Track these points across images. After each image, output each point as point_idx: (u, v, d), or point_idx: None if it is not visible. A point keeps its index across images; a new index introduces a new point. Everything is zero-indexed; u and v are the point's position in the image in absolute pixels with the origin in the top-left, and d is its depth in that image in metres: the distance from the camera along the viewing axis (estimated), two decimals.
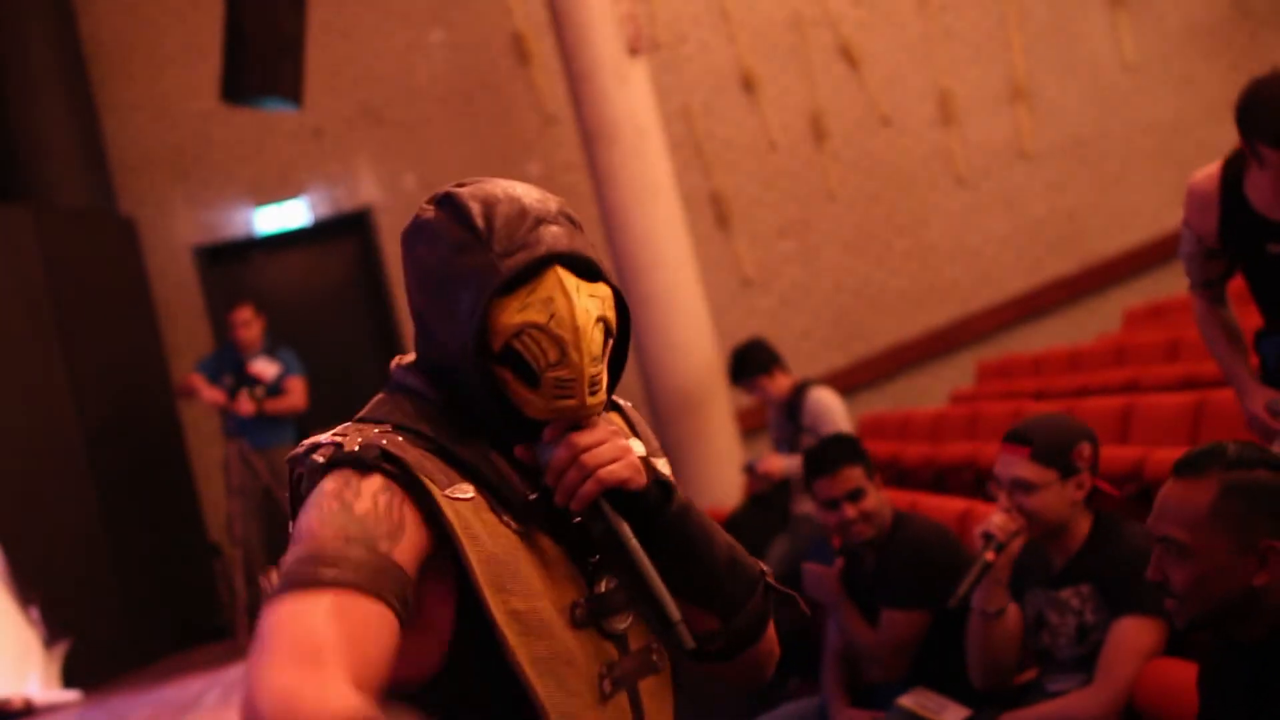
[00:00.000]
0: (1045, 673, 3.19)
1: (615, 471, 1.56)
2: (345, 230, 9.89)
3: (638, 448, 1.70)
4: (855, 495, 3.79)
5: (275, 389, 8.03)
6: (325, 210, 9.86)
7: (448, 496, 1.52)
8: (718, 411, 8.18)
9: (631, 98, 8.20)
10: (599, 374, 1.59)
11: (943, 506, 4.74)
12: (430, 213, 1.65)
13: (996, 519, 3.06)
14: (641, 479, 1.60)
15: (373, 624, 1.40)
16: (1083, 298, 10.18)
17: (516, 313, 1.56)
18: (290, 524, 1.53)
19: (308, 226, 9.86)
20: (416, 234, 1.65)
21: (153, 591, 7.85)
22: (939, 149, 10.15)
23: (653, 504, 1.61)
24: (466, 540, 1.51)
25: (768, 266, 9.96)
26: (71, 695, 6.75)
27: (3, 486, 7.29)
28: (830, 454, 3.85)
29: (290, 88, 7.68)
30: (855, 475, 3.79)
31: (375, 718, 1.29)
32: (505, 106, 9.84)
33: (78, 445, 7.81)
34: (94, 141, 9.25)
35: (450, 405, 1.61)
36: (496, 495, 1.57)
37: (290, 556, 1.43)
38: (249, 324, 8.17)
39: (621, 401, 1.85)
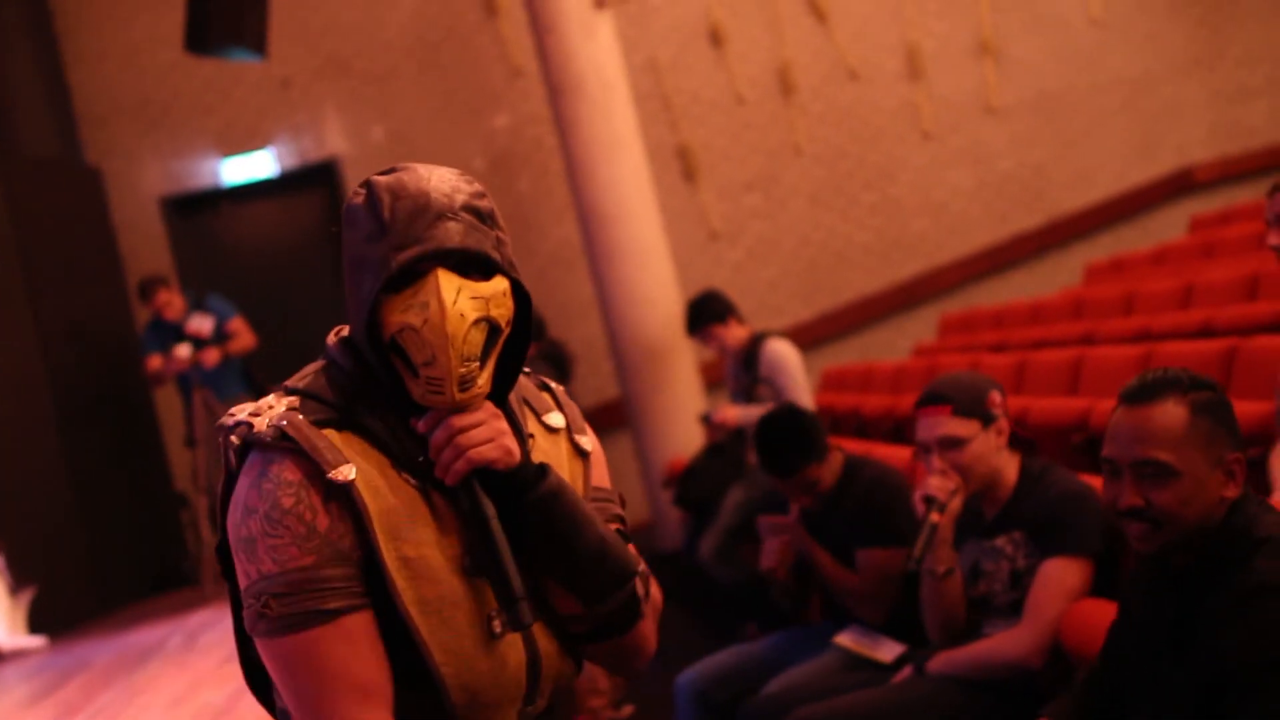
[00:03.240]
0: (982, 618, 3.27)
1: (484, 452, 1.70)
2: (312, 181, 9.90)
3: (555, 421, 1.90)
4: (811, 487, 3.92)
5: (221, 337, 8.06)
6: (292, 161, 9.85)
7: (333, 476, 1.67)
8: (681, 364, 8.25)
9: (597, 51, 8.21)
10: (471, 373, 1.69)
11: (900, 456, 4.82)
12: (359, 198, 1.75)
13: (934, 481, 3.13)
14: (511, 460, 1.73)
15: (374, 633, 1.66)
16: (1047, 252, 10.27)
17: (399, 312, 1.69)
18: (222, 480, 1.76)
19: (275, 177, 9.86)
20: (345, 218, 1.76)
21: (118, 540, 7.90)
22: (906, 103, 10.19)
23: (520, 485, 1.74)
24: (367, 495, 1.68)
25: (734, 220, 10.00)
26: (37, 641, 6.81)
27: None
28: (783, 459, 3.91)
29: (254, 39, 7.67)
30: (810, 472, 3.90)
31: None
32: (472, 58, 9.83)
33: (43, 395, 7.82)
34: (60, 92, 9.22)
35: (366, 376, 1.76)
36: (397, 457, 1.73)
37: (278, 583, 1.65)
38: (171, 303, 8.18)
39: (553, 385, 1.97)
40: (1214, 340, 5.08)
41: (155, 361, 8.13)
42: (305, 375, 1.79)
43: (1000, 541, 3.19)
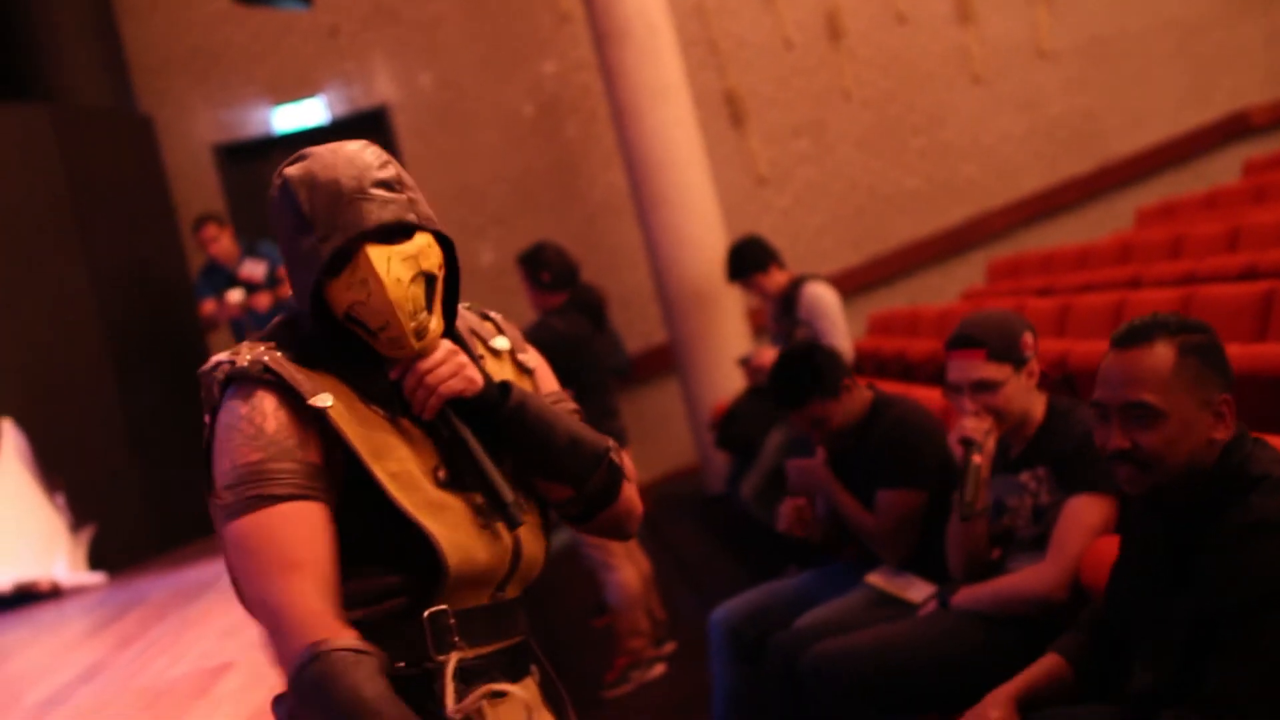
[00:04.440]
0: (1006, 553, 3.31)
1: (452, 385, 1.94)
2: (362, 128, 9.95)
3: (499, 344, 2.14)
4: (819, 423, 3.92)
5: (273, 282, 8.16)
6: (342, 109, 9.93)
7: (312, 403, 1.87)
8: (728, 308, 8.28)
9: None
10: (422, 323, 1.92)
11: (940, 398, 4.84)
12: (276, 192, 1.94)
13: (969, 422, 3.16)
14: (475, 387, 1.96)
15: (318, 521, 1.83)
16: (1098, 197, 10.20)
17: (344, 291, 1.89)
18: (206, 425, 1.93)
19: (325, 125, 9.93)
20: (270, 211, 1.96)
21: (174, 479, 8.04)
22: (956, 47, 10.12)
23: (490, 404, 1.97)
24: (342, 423, 1.88)
25: (782, 165, 9.99)
26: (96, 577, 6.99)
27: (28, 382, 7.47)
28: (793, 387, 3.92)
29: None
30: (815, 410, 3.90)
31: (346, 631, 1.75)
32: (520, 4, 9.85)
33: (99, 341, 7.97)
34: (112, 42, 9.32)
35: (329, 326, 1.95)
36: (365, 392, 1.93)
37: (230, 475, 1.84)
38: (216, 239, 8.28)
39: (492, 314, 2.20)
40: (1255, 283, 5.06)
41: (209, 306, 8.26)
42: (275, 326, 1.99)
43: (1024, 477, 3.23)
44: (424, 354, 1.94)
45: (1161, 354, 2.22)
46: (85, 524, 7.21)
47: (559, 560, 6.90)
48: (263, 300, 8.05)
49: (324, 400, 1.87)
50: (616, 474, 2.07)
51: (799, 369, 3.95)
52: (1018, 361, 3.18)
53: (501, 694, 1.93)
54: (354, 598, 1.86)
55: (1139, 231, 8.48)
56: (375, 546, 1.88)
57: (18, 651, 5.67)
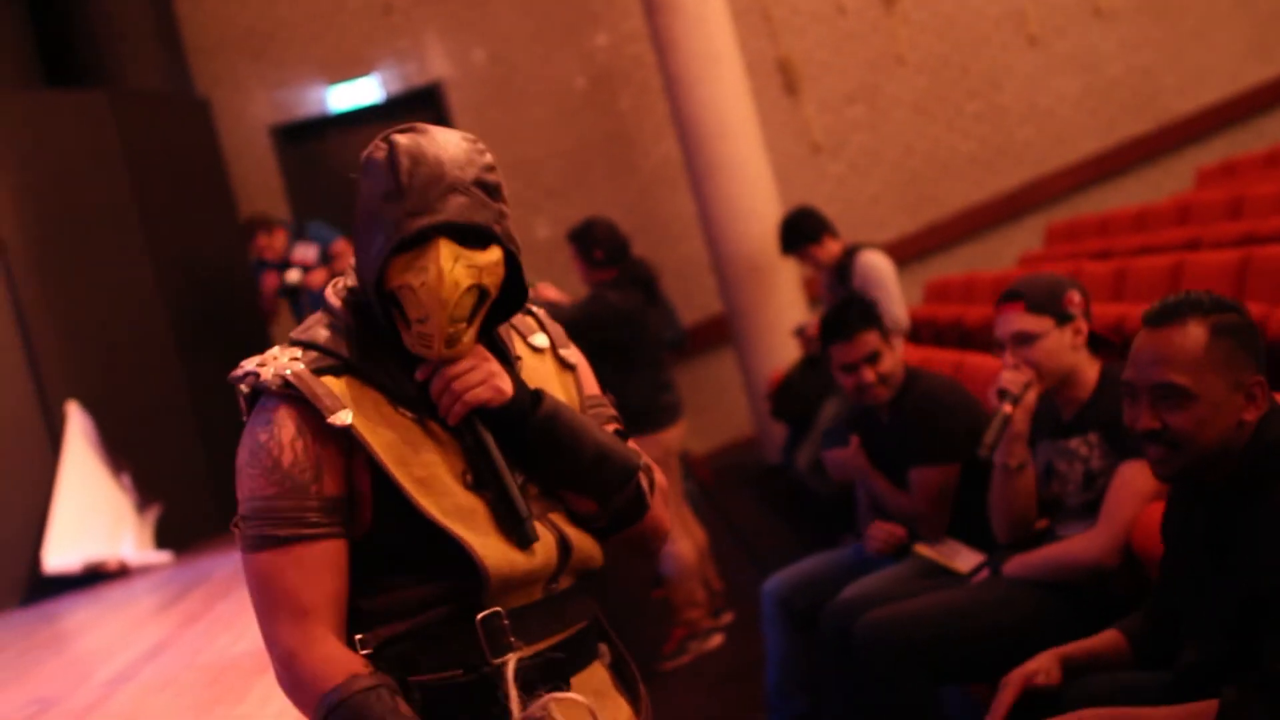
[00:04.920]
0: (1056, 521, 3.31)
1: (478, 394, 1.91)
2: (417, 105, 10.01)
3: (539, 341, 2.11)
4: (873, 359, 3.90)
5: (326, 260, 8.22)
6: (397, 86, 9.98)
7: (332, 422, 1.86)
8: (784, 278, 8.27)
9: None
10: (458, 332, 1.89)
11: (997, 366, 4.81)
12: (380, 153, 1.90)
13: (1006, 374, 3.19)
14: (503, 397, 1.93)
15: (329, 560, 1.86)
16: (1157, 157, 10.06)
17: (402, 272, 1.86)
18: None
19: (380, 103, 9.99)
20: (365, 168, 1.91)
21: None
22: (1011, 8, 10.00)
23: (517, 414, 1.95)
24: (367, 434, 1.87)
25: (836, 132, 9.93)
26: (163, 556, 7.11)
27: (93, 364, 7.59)
28: (846, 319, 3.94)
29: None
30: (871, 340, 3.89)
31: (356, 670, 1.81)
32: None
33: (162, 323, 8.08)
34: (168, 24, 9.41)
35: (364, 325, 1.95)
36: (393, 394, 1.92)
37: (246, 507, 1.88)
38: (270, 246, 8.34)
39: (535, 309, 2.16)
40: None
41: (271, 279, 8.30)
42: (308, 327, 1.97)
43: (1075, 443, 3.22)
44: (449, 361, 1.92)
45: (1194, 334, 2.20)
46: (151, 503, 7.33)
47: None
48: (317, 277, 8.12)
49: (344, 418, 1.86)
50: (642, 498, 2.04)
51: (848, 306, 4.03)
52: (1060, 316, 3.17)
53: (566, 688, 1.91)
54: (397, 607, 1.87)
55: (1198, 192, 8.37)
56: (413, 554, 1.88)
57: (88, 630, 5.80)
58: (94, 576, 6.75)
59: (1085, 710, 2.33)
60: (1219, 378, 2.19)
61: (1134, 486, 3.01)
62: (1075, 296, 3.21)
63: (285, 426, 1.87)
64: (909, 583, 3.62)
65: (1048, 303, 3.17)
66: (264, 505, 1.86)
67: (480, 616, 1.86)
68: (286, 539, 1.84)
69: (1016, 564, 3.23)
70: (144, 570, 6.93)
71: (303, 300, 8.25)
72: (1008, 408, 3.17)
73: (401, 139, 1.89)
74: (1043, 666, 2.54)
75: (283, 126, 9.95)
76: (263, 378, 1.89)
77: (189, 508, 7.62)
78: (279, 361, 1.90)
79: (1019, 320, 3.17)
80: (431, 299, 1.84)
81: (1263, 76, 10.08)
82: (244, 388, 1.92)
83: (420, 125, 1.92)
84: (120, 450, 7.32)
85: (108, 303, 7.81)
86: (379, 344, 1.94)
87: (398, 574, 1.88)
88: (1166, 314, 2.24)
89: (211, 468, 7.77)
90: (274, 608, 1.85)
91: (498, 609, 1.87)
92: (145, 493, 7.34)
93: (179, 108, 9.08)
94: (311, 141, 10.08)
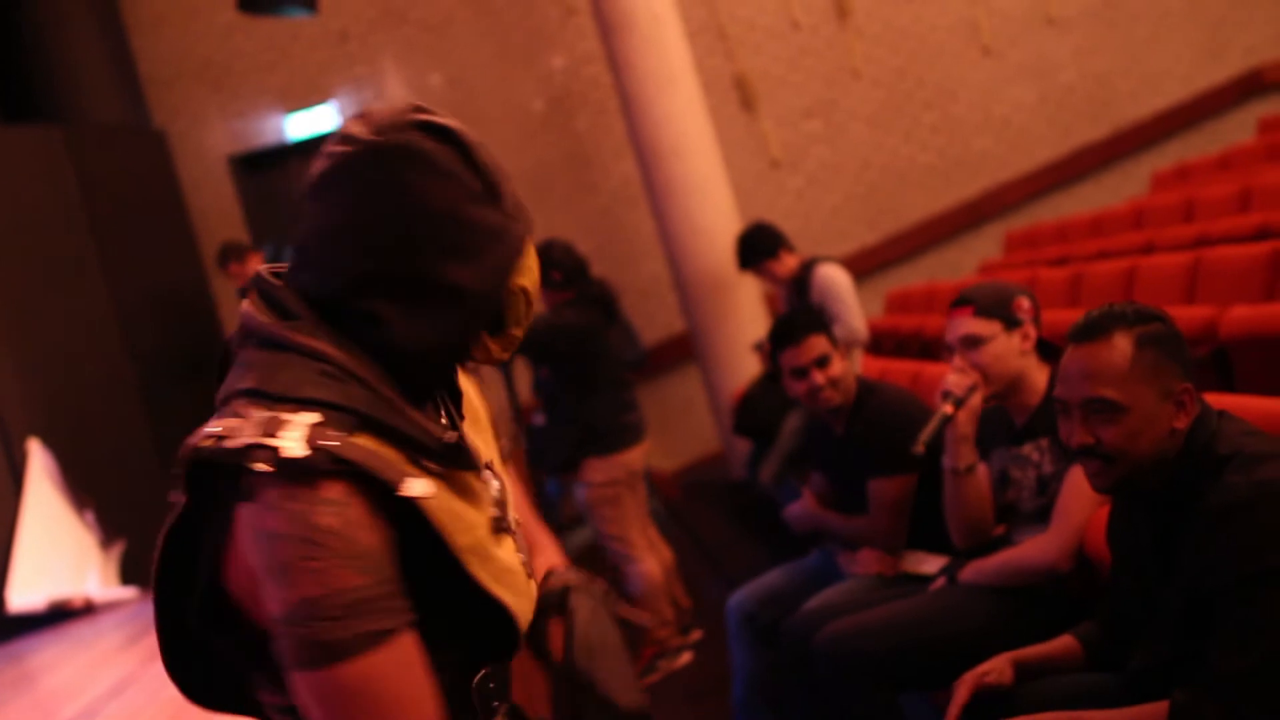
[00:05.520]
0: (1012, 527, 3.33)
1: None
2: None
3: None
4: (822, 362, 3.92)
5: None
6: (355, 113, 9.95)
7: (402, 493, 1.50)
8: (745, 294, 8.29)
9: None
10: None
11: None
12: (424, 142, 1.52)
13: (951, 377, 3.24)
14: None
15: (420, 648, 1.49)
16: (1114, 163, 10.14)
17: (520, 276, 1.60)
18: (183, 513, 1.49)
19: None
20: (406, 160, 1.51)
21: None
22: (964, 19, 10.08)
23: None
24: (437, 511, 1.55)
25: (795, 147, 9.98)
26: (128, 592, 7.06)
27: (53, 401, 7.55)
28: (794, 324, 3.97)
29: None
30: (820, 343, 3.92)
31: None
32: (526, 1, 9.87)
33: (123, 357, 8.05)
34: (123, 58, 9.39)
35: (365, 365, 1.54)
36: (418, 448, 1.56)
37: (322, 606, 1.41)
38: (243, 274, 8.32)
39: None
40: (1265, 243, 5.04)
41: None
42: (298, 380, 1.51)
43: (1027, 449, 3.24)
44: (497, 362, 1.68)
45: (1120, 347, 2.22)
46: (115, 539, 7.29)
47: (581, 555, 6.93)
48: None
49: (418, 488, 1.51)
50: None
51: (796, 313, 4.05)
52: (1008, 321, 3.22)
53: None
54: None
55: (1153, 196, 8.45)
56: (436, 623, 1.55)
57: (53, 668, 5.75)
58: (59, 614, 6.70)
59: (1041, 714, 2.35)
60: (1148, 388, 2.21)
61: (1085, 488, 3.02)
62: (1024, 303, 3.25)
63: (351, 505, 1.45)
64: (870, 593, 3.63)
65: (996, 308, 3.22)
66: (355, 600, 1.43)
67: (475, 681, 1.62)
68: (393, 631, 1.45)
69: (972, 570, 3.24)
70: (109, 606, 6.88)
71: None
72: (949, 408, 3.22)
73: (449, 123, 1.55)
74: (995, 667, 2.56)
75: (241, 156, 9.93)
76: (289, 452, 1.44)
77: (153, 543, 7.57)
78: (293, 427, 1.46)
79: (968, 324, 3.22)
80: (536, 296, 1.62)
81: (1214, 80, 10.18)
82: (263, 467, 1.43)
83: (433, 110, 1.58)
84: (83, 486, 7.28)
85: (67, 338, 7.77)
86: (381, 386, 1.54)
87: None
88: (1091, 329, 2.26)
89: None
90: (401, 715, 1.46)
91: (485, 671, 1.64)
92: (109, 529, 7.30)
93: (135, 140, 9.06)
94: (271, 170, 10.07)
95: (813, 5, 9.98)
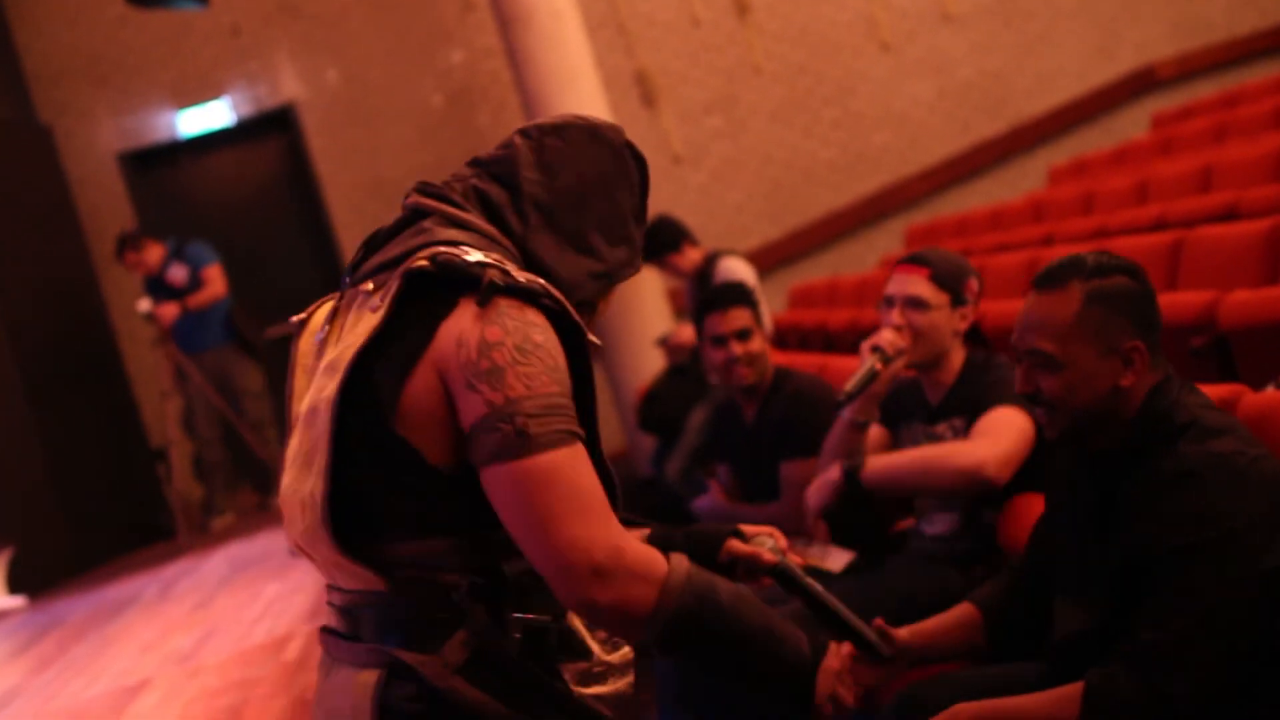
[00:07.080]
0: (922, 512, 3.30)
1: None
2: (270, 128, 9.83)
3: None
4: (743, 335, 3.91)
5: (195, 285, 8.04)
6: (248, 109, 9.78)
7: (592, 339, 1.86)
8: (648, 289, 8.23)
9: None
10: None
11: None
12: (629, 150, 2.03)
13: (886, 334, 3.17)
14: None
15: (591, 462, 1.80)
16: (1011, 158, 10.23)
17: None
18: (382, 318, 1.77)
19: (232, 126, 9.78)
20: (627, 162, 2.02)
21: (94, 498, 7.90)
22: (862, 15, 10.11)
23: None
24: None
25: (696, 143, 9.95)
26: (16, 601, 6.85)
27: None
28: (723, 295, 3.98)
29: None
30: (744, 316, 3.92)
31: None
32: None
33: (8, 360, 7.81)
34: (8, 53, 9.13)
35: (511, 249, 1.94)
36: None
37: (531, 404, 1.73)
38: (140, 263, 8.17)
39: None
40: (1163, 233, 5.10)
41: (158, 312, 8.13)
42: (486, 244, 1.87)
43: (941, 428, 3.21)
44: None
45: (1067, 301, 2.19)
46: (2, 547, 7.07)
47: None
48: (168, 311, 7.92)
49: (595, 340, 1.87)
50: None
51: (729, 285, 4.10)
52: (956, 298, 3.18)
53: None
54: (510, 546, 1.80)
55: (1051, 190, 8.53)
56: None
57: None
58: None
59: (957, 706, 2.29)
60: (1087, 345, 2.17)
61: (1008, 420, 2.99)
62: (974, 285, 3.22)
63: (550, 333, 1.80)
64: (775, 589, 3.57)
65: (951, 281, 3.17)
66: (552, 404, 1.76)
67: None
68: (576, 435, 1.77)
69: (882, 466, 3.13)
70: None
71: (178, 326, 8.04)
72: (879, 365, 3.15)
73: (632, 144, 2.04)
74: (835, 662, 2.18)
75: (132, 153, 9.70)
76: (518, 281, 1.78)
77: (42, 549, 7.37)
78: (503, 265, 1.80)
79: (920, 285, 3.16)
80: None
81: (1108, 76, 10.31)
82: (495, 277, 1.76)
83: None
84: None
85: None
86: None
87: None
88: (1050, 277, 2.23)
89: (66, 507, 7.53)
90: (585, 505, 1.74)
91: None
92: None
93: (20, 136, 8.81)
94: (162, 167, 9.84)
95: (713, 1, 9.96)
